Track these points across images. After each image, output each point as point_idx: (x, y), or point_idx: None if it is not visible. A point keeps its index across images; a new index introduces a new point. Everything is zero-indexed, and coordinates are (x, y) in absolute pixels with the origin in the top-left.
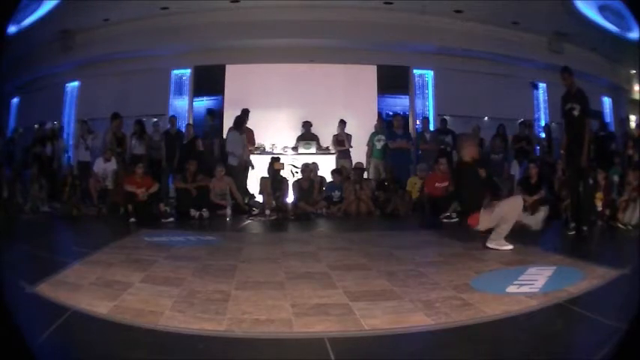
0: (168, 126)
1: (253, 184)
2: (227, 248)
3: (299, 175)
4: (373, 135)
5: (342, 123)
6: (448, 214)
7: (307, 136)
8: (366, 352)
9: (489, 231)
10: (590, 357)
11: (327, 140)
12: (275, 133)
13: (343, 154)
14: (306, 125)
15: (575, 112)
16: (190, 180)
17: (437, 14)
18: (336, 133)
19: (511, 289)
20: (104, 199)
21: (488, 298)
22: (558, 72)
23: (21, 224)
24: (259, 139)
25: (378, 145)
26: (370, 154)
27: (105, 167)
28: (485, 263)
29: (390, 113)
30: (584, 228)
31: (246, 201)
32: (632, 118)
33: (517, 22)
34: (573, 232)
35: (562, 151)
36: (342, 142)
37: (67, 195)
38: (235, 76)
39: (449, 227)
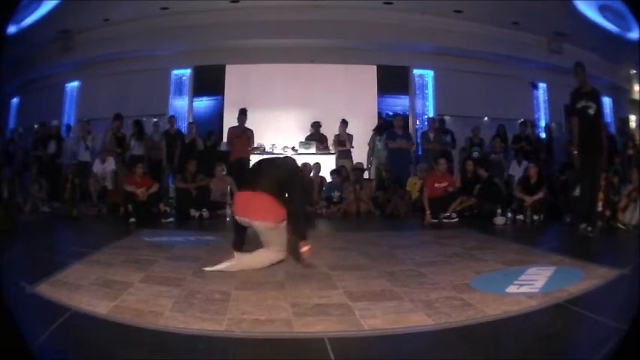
0: (168, 126)
1: None
2: (227, 248)
3: None
4: (375, 135)
5: (344, 123)
6: (448, 214)
7: (316, 136)
8: (366, 352)
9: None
10: (590, 357)
11: (328, 140)
12: (275, 133)
13: (344, 154)
14: (315, 125)
15: (591, 111)
16: (190, 180)
17: (437, 14)
18: (337, 133)
19: (511, 289)
20: (104, 199)
21: (488, 298)
22: (559, 72)
23: (21, 224)
24: (259, 139)
25: (380, 145)
26: (371, 153)
27: (104, 167)
28: (485, 263)
29: (390, 113)
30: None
31: None
32: (632, 118)
33: (517, 22)
34: (591, 232)
35: (575, 152)
36: (343, 142)
37: (67, 195)
38: (235, 76)
39: (449, 227)
